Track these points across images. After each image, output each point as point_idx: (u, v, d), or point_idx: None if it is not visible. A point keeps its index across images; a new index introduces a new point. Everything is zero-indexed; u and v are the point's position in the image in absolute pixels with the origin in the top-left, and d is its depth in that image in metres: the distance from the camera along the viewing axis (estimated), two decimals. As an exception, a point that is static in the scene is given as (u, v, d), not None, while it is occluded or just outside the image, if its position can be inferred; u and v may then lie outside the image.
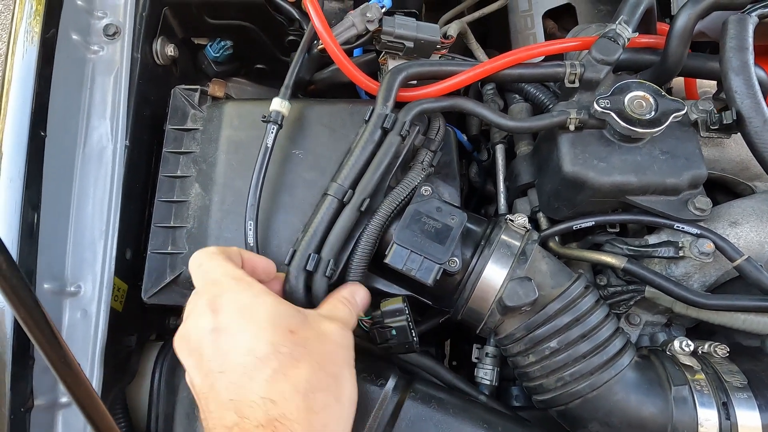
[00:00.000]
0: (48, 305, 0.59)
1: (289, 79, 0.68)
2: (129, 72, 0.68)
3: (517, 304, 0.58)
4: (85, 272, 0.61)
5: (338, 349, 0.49)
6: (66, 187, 0.63)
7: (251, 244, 0.61)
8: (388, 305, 0.59)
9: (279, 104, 0.66)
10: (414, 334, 0.59)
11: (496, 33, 1.10)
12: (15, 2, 0.66)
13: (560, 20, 1.07)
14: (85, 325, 0.60)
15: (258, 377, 0.43)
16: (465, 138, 0.98)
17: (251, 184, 0.63)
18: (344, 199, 0.60)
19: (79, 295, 0.61)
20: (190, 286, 0.67)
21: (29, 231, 0.58)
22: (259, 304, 0.47)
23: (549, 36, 1.05)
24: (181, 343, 0.49)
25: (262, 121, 0.65)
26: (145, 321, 0.72)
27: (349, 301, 0.56)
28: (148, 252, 0.67)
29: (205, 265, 0.51)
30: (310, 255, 0.58)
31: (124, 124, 0.66)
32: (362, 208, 0.61)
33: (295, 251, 0.59)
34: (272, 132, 0.64)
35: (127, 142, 0.67)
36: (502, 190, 0.83)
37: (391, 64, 0.75)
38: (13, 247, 0.55)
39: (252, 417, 0.42)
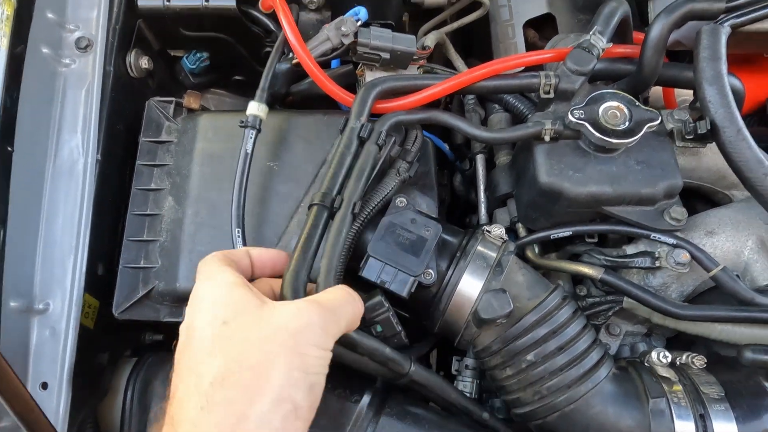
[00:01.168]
0: (15, 324, 0.58)
1: (264, 81, 0.67)
2: (101, 85, 0.68)
3: (491, 316, 0.57)
4: (54, 289, 0.60)
5: (273, 338, 0.42)
6: (35, 202, 0.62)
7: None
8: (367, 301, 0.57)
9: (256, 108, 0.65)
10: (399, 326, 0.58)
11: (478, 42, 1.11)
12: None
13: (541, 30, 1.08)
14: (53, 343, 0.59)
15: (177, 360, 0.43)
16: (447, 147, 0.98)
17: (233, 191, 0.62)
18: (334, 206, 0.57)
19: (47, 312, 0.60)
20: (162, 301, 0.67)
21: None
22: (212, 293, 0.45)
23: (530, 45, 1.05)
24: None
25: (240, 126, 0.64)
26: (118, 337, 0.71)
27: (345, 289, 0.51)
28: (120, 266, 0.66)
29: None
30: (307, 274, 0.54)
31: (96, 137, 0.65)
32: (355, 211, 0.58)
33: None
34: (251, 137, 0.64)
35: (99, 156, 0.66)
36: (482, 200, 0.83)
37: (369, 75, 0.75)
38: (-24, 265, 0.54)
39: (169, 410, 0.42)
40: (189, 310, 0.45)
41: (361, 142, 0.63)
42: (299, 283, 0.51)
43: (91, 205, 0.64)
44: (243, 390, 0.39)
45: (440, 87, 0.67)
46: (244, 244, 0.61)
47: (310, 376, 0.42)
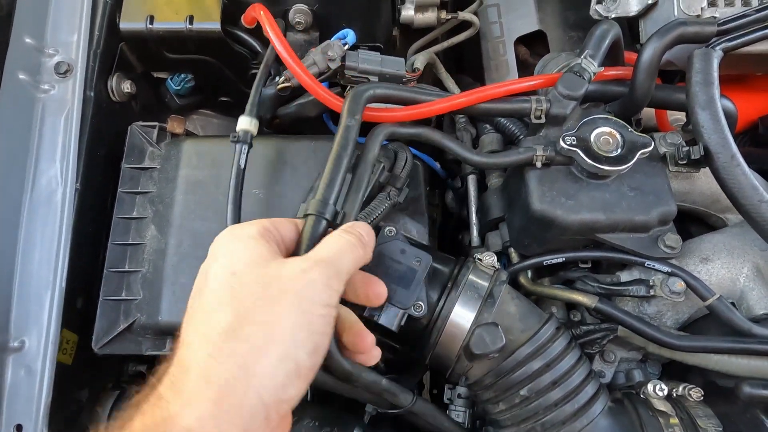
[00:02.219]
0: (-12, 363, 0.55)
1: (254, 96, 0.66)
2: (81, 111, 0.66)
3: (483, 351, 0.56)
4: (30, 326, 0.58)
5: (279, 295, 0.43)
6: (10, 235, 0.60)
7: None
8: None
9: (247, 123, 0.63)
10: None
11: (469, 58, 1.10)
12: None
13: (532, 46, 1.07)
14: (29, 383, 0.56)
15: (186, 314, 0.43)
16: (439, 166, 0.96)
17: (228, 206, 0.59)
18: (335, 220, 0.53)
19: (23, 350, 0.57)
20: (145, 334, 0.65)
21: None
22: (229, 243, 0.46)
23: (521, 62, 1.04)
24: None
25: (231, 141, 0.62)
26: (98, 371, 0.68)
27: (350, 233, 0.49)
28: (100, 299, 0.64)
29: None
30: None
31: (75, 166, 0.63)
32: None
33: None
34: (243, 152, 0.61)
35: (78, 185, 0.64)
36: (474, 221, 0.81)
37: (358, 97, 0.73)
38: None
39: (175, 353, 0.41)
40: (209, 253, 0.46)
41: (355, 145, 0.58)
42: None
43: (69, 236, 0.61)
44: (250, 345, 0.40)
45: (430, 107, 0.65)
46: None
47: (314, 336, 0.43)
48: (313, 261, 0.45)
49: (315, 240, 0.50)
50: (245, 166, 0.60)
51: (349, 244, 0.48)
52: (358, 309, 0.55)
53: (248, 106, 0.64)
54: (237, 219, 0.58)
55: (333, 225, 0.52)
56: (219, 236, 0.47)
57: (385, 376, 0.57)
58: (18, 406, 0.56)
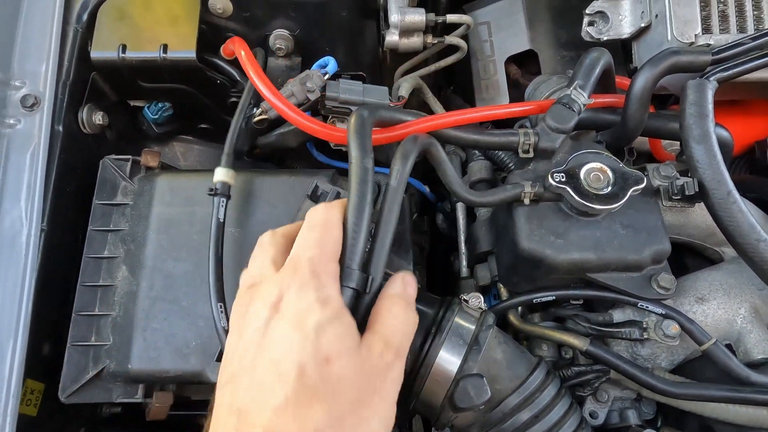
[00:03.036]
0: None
1: (229, 146, 0.64)
2: (49, 146, 0.63)
3: (468, 405, 0.53)
4: (-10, 378, 0.55)
5: (374, 397, 0.42)
6: (-30, 281, 0.57)
7: (225, 328, 0.55)
8: None
9: (224, 174, 0.61)
10: None
11: (460, 78, 1.08)
12: None
13: (523, 65, 1.05)
14: (-13, 441, 0.53)
15: (269, 399, 0.38)
16: (428, 189, 0.94)
17: (209, 263, 0.57)
18: (366, 290, 0.47)
19: (-20, 405, 0.54)
20: (115, 381, 0.62)
21: None
22: (315, 310, 0.41)
23: (512, 81, 1.02)
24: (237, 311, 0.46)
25: (209, 194, 0.60)
26: (68, 419, 0.65)
27: (404, 298, 0.48)
28: (68, 344, 0.61)
29: (313, 234, 0.46)
30: None
31: (41, 205, 0.60)
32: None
33: None
34: (222, 205, 0.59)
35: (44, 224, 0.61)
36: (463, 251, 0.79)
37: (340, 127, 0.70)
38: None
39: None
40: (284, 328, 0.41)
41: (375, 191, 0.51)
42: None
43: (34, 280, 0.59)
44: None
45: (419, 125, 0.62)
46: (227, 319, 0.55)
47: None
48: (394, 351, 0.44)
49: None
50: (224, 219, 0.58)
51: (413, 322, 0.48)
52: None
53: (224, 156, 0.61)
54: (219, 278, 0.55)
55: (362, 294, 0.47)
56: (292, 292, 0.42)
57: None
58: (-25, 468, 0.53)
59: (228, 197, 0.59)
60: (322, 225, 0.46)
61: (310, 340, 0.40)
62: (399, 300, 0.47)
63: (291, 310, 0.41)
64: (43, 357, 0.61)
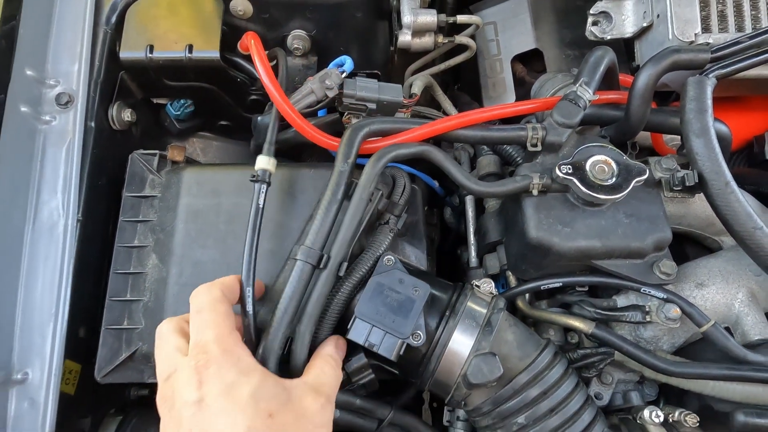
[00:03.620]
0: (-8, 397, 0.56)
1: (271, 136, 0.65)
2: (82, 142, 0.66)
3: (481, 381, 0.56)
4: (33, 358, 0.59)
5: (315, 430, 0.49)
6: (13, 267, 0.61)
7: (250, 312, 0.57)
8: (352, 365, 0.61)
9: (266, 162, 0.63)
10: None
11: (467, 75, 1.11)
12: None
13: (529, 64, 1.08)
14: (32, 415, 0.57)
15: None
16: (437, 184, 0.97)
17: (245, 248, 0.58)
18: (320, 265, 0.57)
19: (26, 382, 0.58)
20: (147, 362, 0.65)
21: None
22: (243, 383, 0.47)
23: (518, 79, 1.05)
24: (163, 404, 0.49)
25: (251, 181, 0.62)
26: (101, 399, 0.69)
27: (334, 358, 0.56)
28: (102, 328, 0.65)
29: (203, 315, 0.51)
30: (286, 336, 0.55)
31: (77, 196, 0.64)
32: (341, 273, 0.58)
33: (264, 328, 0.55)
34: (262, 191, 0.61)
35: (80, 215, 0.64)
36: (472, 242, 0.82)
37: (356, 123, 0.74)
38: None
39: None
40: (219, 405, 0.45)
41: (347, 190, 0.61)
42: (277, 351, 0.54)
43: (71, 267, 0.62)
44: None
45: (424, 130, 0.66)
46: (254, 306, 0.58)
47: None
48: (325, 396, 0.51)
49: (300, 286, 0.55)
50: (264, 205, 0.60)
51: (339, 378, 0.55)
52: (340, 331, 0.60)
53: (266, 145, 0.64)
54: (253, 262, 0.58)
55: (317, 269, 0.56)
56: (220, 373, 0.47)
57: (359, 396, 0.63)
58: (21, 439, 0.56)
59: (268, 184, 0.61)
60: (208, 306, 0.51)
61: (249, 406, 0.45)
62: (330, 359, 0.56)
63: (217, 389, 0.46)
64: (80, 340, 0.65)
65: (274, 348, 0.54)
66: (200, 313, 0.51)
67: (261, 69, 0.64)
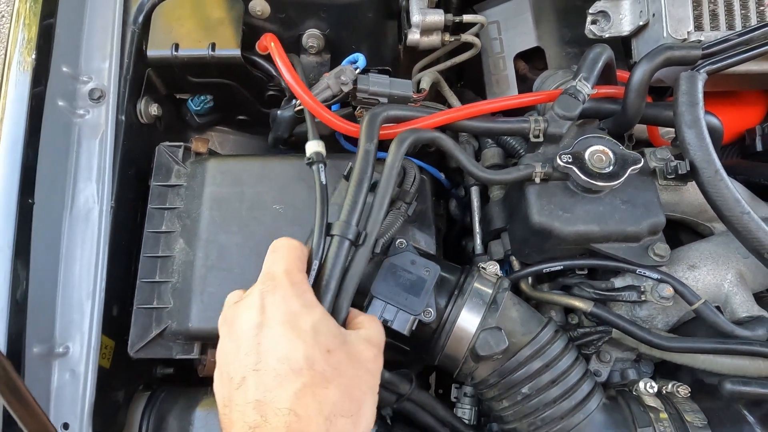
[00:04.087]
0: (37, 368, 0.61)
1: (311, 124, 0.69)
2: (114, 134, 0.71)
3: (488, 353, 0.61)
4: (73, 333, 0.63)
5: (367, 376, 0.50)
6: (54, 251, 0.65)
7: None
8: None
9: (316, 145, 0.67)
10: None
11: (471, 73, 1.15)
12: (8, 34, 0.69)
13: (531, 61, 1.12)
14: (73, 385, 0.62)
15: (288, 387, 0.45)
16: (443, 176, 1.01)
17: (315, 224, 0.59)
18: (358, 241, 0.58)
19: (67, 355, 0.63)
20: (175, 339, 0.70)
21: (18, 297, 0.60)
22: (305, 314, 0.49)
23: (520, 76, 1.10)
24: (224, 326, 0.51)
25: (307, 164, 0.66)
26: (132, 374, 0.74)
27: (378, 320, 0.58)
28: (134, 307, 0.69)
29: (278, 253, 0.53)
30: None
31: (110, 185, 0.69)
32: (376, 250, 0.60)
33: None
34: (322, 170, 0.64)
35: (113, 202, 0.69)
36: (477, 231, 0.86)
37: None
38: (2, 315, 0.57)
39: (274, 423, 0.43)
40: (281, 331, 0.47)
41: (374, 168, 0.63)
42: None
43: (106, 250, 0.67)
44: (352, 420, 0.47)
45: (437, 118, 0.70)
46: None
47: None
48: (378, 346, 0.54)
49: (341, 261, 0.56)
50: (326, 182, 0.63)
51: (383, 331, 0.57)
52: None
53: (310, 133, 0.68)
54: (323, 236, 0.58)
55: (356, 245, 0.58)
56: (290, 312, 0.48)
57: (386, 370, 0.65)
58: (64, 407, 0.61)
59: (325, 164, 0.65)
60: (285, 246, 0.54)
61: (310, 337, 0.47)
62: (376, 318, 0.58)
63: (279, 316, 0.48)
64: (113, 318, 0.69)
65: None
66: (275, 252, 0.53)
67: (283, 67, 0.69)
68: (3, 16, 2.55)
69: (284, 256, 0.53)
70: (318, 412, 0.45)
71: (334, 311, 0.55)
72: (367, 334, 0.54)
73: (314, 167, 0.64)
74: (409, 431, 0.67)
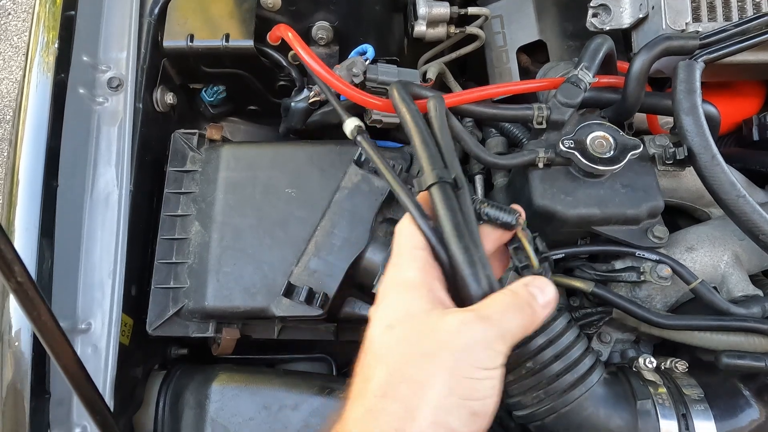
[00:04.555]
0: (61, 343, 0.63)
1: (340, 105, 0.72)
2: (132, 121, 0.74)
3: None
4: (95, 310, 0.66)
5: (435, 354, 0.40)
6: (76, 232, 0.68)
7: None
8: None
9: (354, 121, 0.68)
10: None
11: (474, 66, 1.18)
12: (29, 34, 0.72)
13: (533, 54, 1.15)
14: (95, 360, 0.64)
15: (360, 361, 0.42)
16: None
17: (406, 203, 0.50)
18: (457, 183, 0.51)
19: (89, 332, 0.65)
20: (191, 318, 0.73)
21: (44, 276, 0.62)
22: (391, 283, 0.45)
23: (523, 69, 1.12)
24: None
25: (351, 138, 0.67)
26: (149, 352, 0.76)
27: (521, 289, 0.46)
28: (152, 287, 0.72)
29: (409, 220, 0.47)
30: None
31: (129, 170, 0.71)
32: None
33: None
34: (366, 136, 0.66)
35: (131, 186, 0.72)
36: (482, 218, 0.89)
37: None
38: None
39: None
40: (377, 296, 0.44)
41: None
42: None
43: (126, 232, 0.69)
44: (402, 405, 0.38)
45: (449, 99, 0.72)
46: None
47: (470, 402, 0.39)
48: (476, 316, 0.41)
49: (453, 208, 0.47)
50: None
51: (519, 305, 0.44)
52: None
53: (343, 114, 0.69)
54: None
55: (457, 187, 0.50)
56: (385, 280, 0.45)
57: None
58: (87, 380, 0.64)
59: (367, 132, 0.66)
60: (410, 219, 0.48)
61: (380, 313, 0.43)
62: (509, 289, 0.45)
63: (381, 299, 0.45)
64: (131, 297, 0.72)
65: (488, 264, 0.46)
66: (406, 223, 0.48)
67: (304, 53, 0.72)
68: (9, 14, 2.59)
69: (407, 231, 0.47)
70: (361, 393, 0.41)
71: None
72: (481, 307, 0.44)
73: (359, 137, 0.65)
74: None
